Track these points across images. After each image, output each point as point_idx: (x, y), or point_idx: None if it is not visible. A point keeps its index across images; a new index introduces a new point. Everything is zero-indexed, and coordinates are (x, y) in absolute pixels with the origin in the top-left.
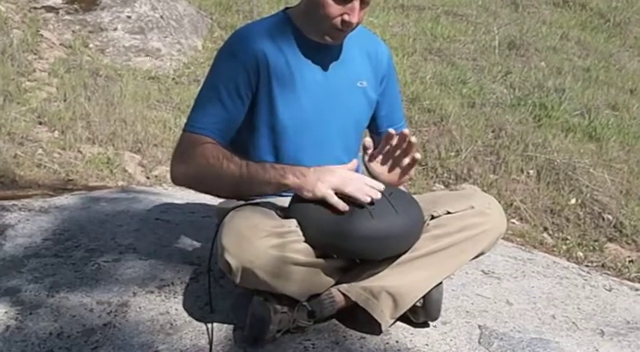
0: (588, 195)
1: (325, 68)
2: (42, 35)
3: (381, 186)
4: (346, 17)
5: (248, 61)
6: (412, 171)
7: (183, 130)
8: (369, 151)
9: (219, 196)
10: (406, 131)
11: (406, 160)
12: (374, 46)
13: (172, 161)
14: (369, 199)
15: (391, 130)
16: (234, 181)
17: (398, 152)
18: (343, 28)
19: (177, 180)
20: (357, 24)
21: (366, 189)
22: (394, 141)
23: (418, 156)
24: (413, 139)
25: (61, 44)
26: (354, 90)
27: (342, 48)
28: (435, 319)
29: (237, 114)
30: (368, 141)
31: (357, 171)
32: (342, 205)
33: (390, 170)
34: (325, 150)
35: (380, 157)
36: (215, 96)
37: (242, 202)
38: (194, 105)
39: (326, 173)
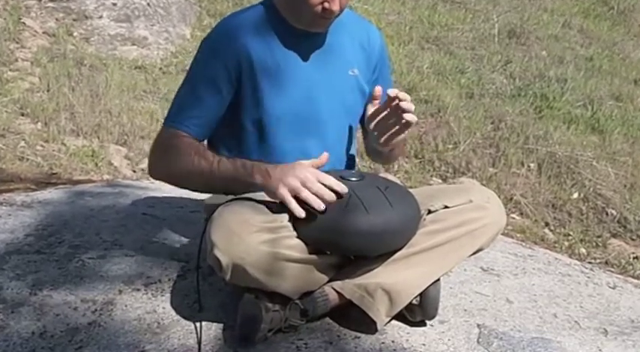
0: (591, 189)
1: (314, 57)
2: (24, 23)
3: (344, 188)
4: (326, 5)
5: (229, 57)
6: (407, 133)
7: (162, 124)
8: (377, 102)
9: (196, 191)
10: (403, 95)
11: (402, 120)
12: (365, 32)
13: (150, 155)
14: (322, 207)
15: (389, 92)
16: (206, 178)
17: (396, 112)
18: (325, 16)
19: (154, 174)
20: (341, 11)
21: (323, 193)
22: (395, 102)
23: (413, 118)
24: (402, 96)
25: (44, 32)
26: (344, 79)
27: (331, 35)
28: (432, 318)
29: (216, 110)
30: (378, 89)
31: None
32: (298, 211)
33: (390, 126)
34: (316, 142)
35: (381, 116)
36: (194, 92)
37: (232, 196)
38: (174, 99)
39: (289, 174)
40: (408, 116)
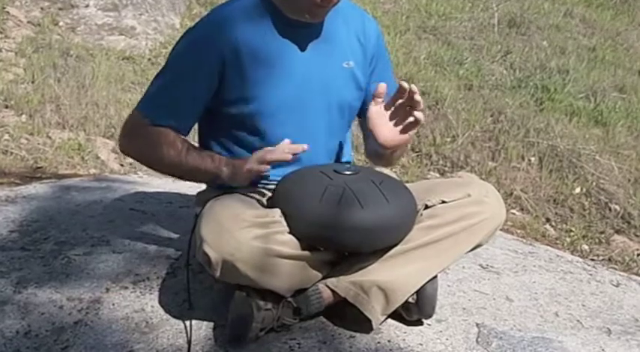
0: (594, 183)
1: (307, 48)
2: (8, 12)
3: (301, 146)
4: None
5: (211, 52)
6: (412, 132)
7: (135, 108)
8: (380, 100)
9: (167, 175)
10: (414, 87)
11: (410, 118)
12: (361, 22)
13: (121, 133)
14: (289, 157)
15: (403, 83)
16: (175, 167)
17: (404, 109)
18: (323, 4)
19: (123, 152)
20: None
21: (283, 156)
22: (405, 96)
23: (422, 117)
24: (417, 97)
25: (28, 22)
26: (339, 71)
27: (325, 26)
28: (429, 316)
29: (191, 102)
30: (383, 85)
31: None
32: (280, 155)
33: (394, 125)
34: (307, 135)
35: (388, 113)
36: (170, 81)
37: (222, 191)
38: (151, 83)
39: (249, 158)
40: (418, 114)
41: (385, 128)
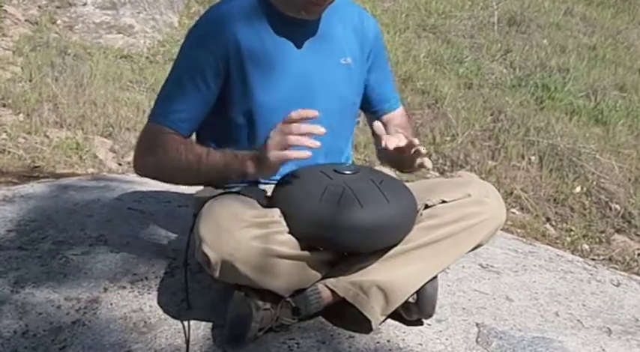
0: (594, 182)
1: (305, 46)
2: (6, 11)
3: (318, 128)
4: None
5: (216, 49)
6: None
7: (148, 120)
8: (383, 139)
9: (184, 185)
10: (415, 141)
11: (418, 160)
12: (359, 19)
13: (135, 151)
14: (310, 142)
15: (412, 140)
16: (195, 171)
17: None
18: (318, 2)
19: (139, 170)
20: None
21: (302, 141)
22: (405, 150)
23: (429, 164)
24: (422, 149)
25: (26, 20)
26: (337, 68)
27: (323, 23)
28: (429, 316)
29: (202, 103)
30: (378, 126)
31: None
32: (298, 154)
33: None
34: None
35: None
36: (180, 85)
37: (221, 190)
38: (159, 93)
39: (267, 146)
40: (427, 163)
41: (394, 161)
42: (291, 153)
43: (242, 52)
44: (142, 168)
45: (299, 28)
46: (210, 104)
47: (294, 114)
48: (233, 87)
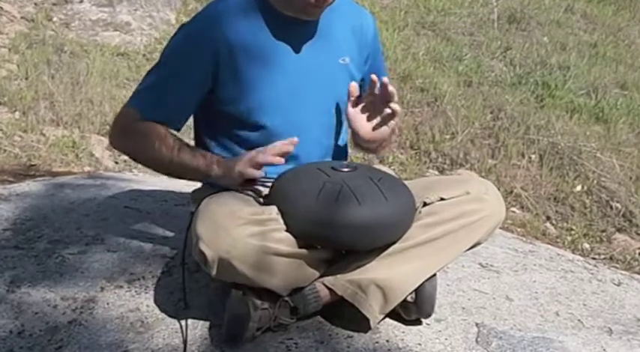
0: (595, 181)
1: (303, 45)
2: (1, 8)
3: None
4: None
5: (206, 47)
6: (392, 123)
7: (127, 102)
8: (353, 98)
9: (160, 173)
10: (386, 79)
11: (387, 110)
12: (359, 18)
13: (111, 129)
14: (281, 161)
15: (372, 76)
16: (166, 164)
17: (379, 102)
18: (317, 4)
19: (115, 148)
20: None
21: (272, 160)
22: (376, 89)
23: (398, 108)
24: (391, 88)
25: (22, 17)
26: (335, 68)
27: (321, 23)
28: (428, 316)
29: (183, 98)
30: (354, 85)
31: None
32: (257, 173)
33: (370, 119)
34: (303, 133)
35: (362, 105)
36: (163, 78)
37: (218, 188)
38: (143, 79)
39: (241, 158)
40: (394, 106)
41: (365, 124)
42: (257, 173)
43: (235, 50)
44: (117, 146)
45: (297, 28)
46: (191, 99)
47: (276, 148)
48: (224, 85)
